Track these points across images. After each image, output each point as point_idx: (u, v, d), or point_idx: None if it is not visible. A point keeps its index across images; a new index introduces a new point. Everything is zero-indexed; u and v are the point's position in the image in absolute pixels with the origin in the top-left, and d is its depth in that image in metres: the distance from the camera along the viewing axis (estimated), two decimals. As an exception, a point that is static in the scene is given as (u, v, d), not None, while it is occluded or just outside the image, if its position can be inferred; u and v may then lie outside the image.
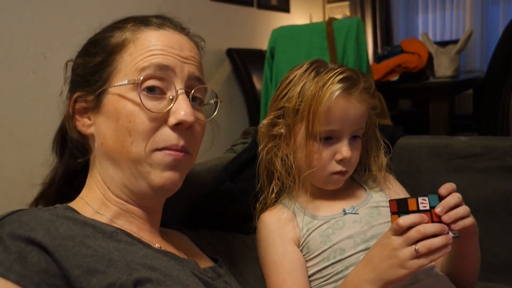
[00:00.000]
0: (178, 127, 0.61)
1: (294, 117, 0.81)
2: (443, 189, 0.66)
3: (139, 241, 0.60)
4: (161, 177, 0.61)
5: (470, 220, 0.65)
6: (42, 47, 1.87)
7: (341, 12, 4.16)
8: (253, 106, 2.79)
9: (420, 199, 0.66)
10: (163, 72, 0.61)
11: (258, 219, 0.87)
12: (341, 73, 0.78)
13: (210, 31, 2.77)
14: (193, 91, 0.64)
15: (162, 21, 0.66)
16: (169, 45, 0.63)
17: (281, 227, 0.82)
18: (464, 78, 2.61)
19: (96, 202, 0.64)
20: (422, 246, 0.61)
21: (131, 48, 0.62)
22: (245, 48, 2.95)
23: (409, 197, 0.67)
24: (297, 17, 3.74)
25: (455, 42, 2.72)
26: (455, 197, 0.65)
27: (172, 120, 0.60)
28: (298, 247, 0.81)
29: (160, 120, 0.60)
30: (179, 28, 0.67)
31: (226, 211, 0.93)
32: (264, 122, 0.86)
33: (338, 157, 0.79)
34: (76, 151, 0.71)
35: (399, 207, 0.66)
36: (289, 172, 0.83)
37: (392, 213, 0.67)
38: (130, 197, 0.64)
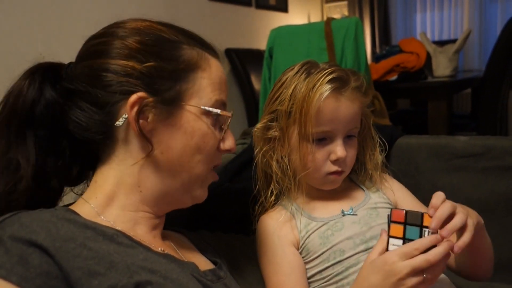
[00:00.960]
0: (225, 151, 0.70)
1: (287, 120, 0.81)
2: (431, 210, 0.64)
3: (139, 244, 0.60)
4: (203, 194, 0.71)
5: (470, 228, 0.64)
6: (40, 47, 1.86)
7: (339, 11, 4.16)
8: (252, 106, 2.79)
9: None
10: (224, 106, 0.69)
11: (257, 222, 0.87)
12: (330, 73, 0.77)
13: (209, 31, 2.75)
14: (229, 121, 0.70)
15: (209, 46, 0.71)
16: (224, 79, 0.70)
17: (280, 229, 0.82)
18: (463, 78, 2.61)
19: (102, 204, 0.63)
20: (431, 274, 0.60)
21: (205, 73, 0.66)
22: (243, 48, 2.95)
23: (424, 212, 0.64)
24: (295, 17, 3.74)
25: (453, 41, 2.73)
26: (445, 209, 0.63)
27: (225, 146, 0.70)
28: (298, 249, 0.81)
29: (218, 143, 0.68)
30: (219, 55, 0.72)
31: (225, 212, 0.92)
32: (258, 126, 0.86)
33: (333, 157, 0.79)
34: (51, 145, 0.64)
35: (408, 219, 0.64)
36: (285, 174, 0.83)
37: (394, 222, 0.64)
38: (159, 205, 0.67)
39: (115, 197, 0.63)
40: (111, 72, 0.61)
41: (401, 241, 0.64)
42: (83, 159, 0.68)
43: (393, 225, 0.64)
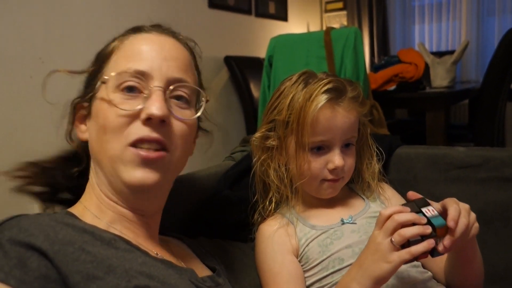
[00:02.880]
0: (150, 121, 0.61)
1: (285, 129, 0.81)
2: (452, 222, 0.63)
3: (137, 248, 0.60)
4: (132, 175, 0.60)
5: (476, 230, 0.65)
6: (39, 52, 1.87)
7: (338, 21, 4.19)
8: (251, 113, 2.79)
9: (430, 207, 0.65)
10: (140, 75, 0.62)
11: (256, 230, 0.87)
12: (326, 83, 0.78)
13: (208, 38, 2.78)
14: (172, 88, 0.64)
15: (151, 27, 0.69)
16: (150, 47, 0.64)
17: (279, 237, 0.82)
18: (460, 89, 2.63)
19: (93, 206, 0.64)
20: (396, 234, 0.61)
21: (117, 54, 0.66)
22: (243, 55, 2.96)
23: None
24: (294, 25, 3.76)
25: (451, 52, 2.75)
26: (456, 208, 0.64)
27: (142, 115, 0.61)
28: (297, 257, 0.81)
29: (133, 116, 0.61)
30: (167, 31, 0.69)
31: (224, 219, 0.92)
32: (257, 135, 0.86)
33: (331, 166, 0.80)
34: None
35: (417, 204, 0.65)
36: (283, 182, 0.84)
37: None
38: (117, 198, 0.64)
39: (93, 197, 0.66)
40: None
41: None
42: None
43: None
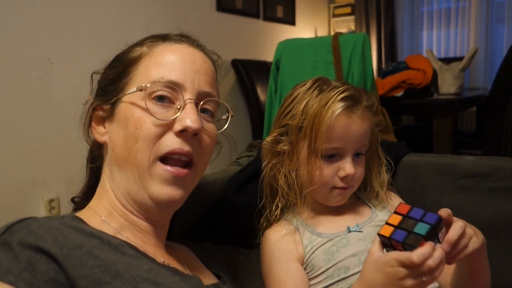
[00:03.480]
0: (183, 133, 0.61)
1: (297, 134, 0.81)
2: (446, 245, 0.62)
3: (144, 255, 0.60)
4: (161, 191, 0.61)
5: (473, 245, 0.63)
6: (48, 53, 1.88)
7: (346, 26, 4.19)
8: (257, 117, 2.79)
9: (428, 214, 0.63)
10: (173, 86, 0.63)
11: (262, 235, 0.86)
12: (343, 91, 0.78)
13: (216, 42, 2.78)
14: (201, 102, 0.65)
15: (179, 37, 0.68)
16: (182, 58, 0.65)
17: (285, 244, 0.81)
18: (468, 96, 2.61)
19: (103, 211, 0.64)
20: (429, 277, 0.60)
21: (146, 60, 0.65)
22: (250, 59, 2.96)
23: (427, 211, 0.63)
24: (302, 30, 3.76)
25: (459, 59, 2.73)
26: (457, 229, 0.62)
27: (177, 127, 0.61)
28: (302, 265, 0.80)
29: (166, 127, 0.61)
30: (195, 44, 0.69)
31: (230, 224, 0.92)
32: (268, 139, 0.86)
33: (342, 174, 0.80)
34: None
35: (411, 213, 0.63)
36: (292, 188, 0.83)
37: (397, 213, 0.64)
38: (134, 207, 0.64)
39: (105, 202, 0.65)
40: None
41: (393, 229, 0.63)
42: None
43: (393, 215, 0.64)
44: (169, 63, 0.64)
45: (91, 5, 2.04)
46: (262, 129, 2.38)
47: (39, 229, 0.52)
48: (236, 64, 2.84)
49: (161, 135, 0.61)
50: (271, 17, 3.34)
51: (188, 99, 0.63)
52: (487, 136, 2.45)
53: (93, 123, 0.68)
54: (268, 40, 3.26)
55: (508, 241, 0.96)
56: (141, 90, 0.62)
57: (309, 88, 0.82)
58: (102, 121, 0.67)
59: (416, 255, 0.60)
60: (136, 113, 0.61)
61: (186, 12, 2.59)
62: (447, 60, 3.02)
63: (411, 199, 0.95)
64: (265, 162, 0.87)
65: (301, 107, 0.80)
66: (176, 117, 0.61)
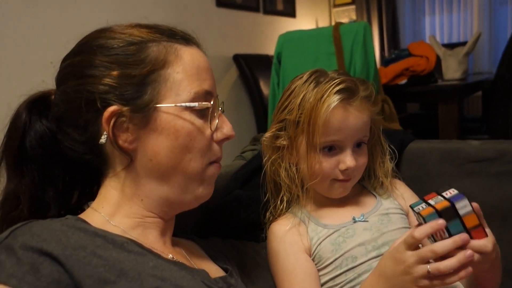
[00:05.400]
0: (222, 142, 0.68)
1: (296, 129, 0.81)
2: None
3: (149, 251, 0.60)
4: (207, 190, 0.68)
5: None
6: (51, 56, 1.88)
7: (347, 16, 4.16)
8: (261, 111, 2.79)
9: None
10: (208, 95, 0.65)
11: (267, 229, 0.86)
12: (338, 83, 0.77)
13: (217, 37, 2.78)
14: (221, 106, 0.69)
15: (180, 35, 0.66)
16: (207, 65, 0.67)
17: (291, 236, 0.81)
18: (473, 81, 2.58)
19: (110, 213, 0.64)
20: (434, 269, 0.59)
21: (177, 66, 0.63)
22: (251, 53, 2.95)
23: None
24: (303, 21, 3.74)
25: (463, 44, 2.70)
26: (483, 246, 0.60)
27: (220, 136, 0.67)
28: (310, 256, 0.81)
29: (210, 136, 0.65)
30: (195, 42, 0.69)
31: (236, 218, 0.92)
32: (267, 135, 0.86)
33: (342, 167, 0.79)
34: (47, 162, 0.65)
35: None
36: (293, 182, 0.83)
37: (424, 201, 0.63)
38: (164, 210, 0.66)
39: (120, 207, 0.64)
40: (82, 92, 0.61)
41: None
42: (84, 180, 0.71)
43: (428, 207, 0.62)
44: (201, 71, 0.65)
45: (92, 7, 2.05)
46: (266, 123, 2.38)
47: (41, 231, 0.53)
48: (238, 59, 2.84)
49: (210, 145, 0.66)
50: (271, 10, 3.32)
51: (220, 108, 0.68)
52: (493, 121, 2.43)
53: (115, 130, 0.61)
54: (269, 33, 3.25)
55: (516, 225, 0.95)
56: (201, 108, 0.63)
57: (305, 81, 0.81)
58: (126, 127, 0.61)
59: (417, 231, 0.60)
60: (187, 126, 0.62)
61: (186, 8, 2.58)
62: (450, 46, 2.99)
63: (417, 187, 0.94)
64: (265, 158, 0.87)
65: (298, 101, 0.80)
66: (217, 126, 0.66)
